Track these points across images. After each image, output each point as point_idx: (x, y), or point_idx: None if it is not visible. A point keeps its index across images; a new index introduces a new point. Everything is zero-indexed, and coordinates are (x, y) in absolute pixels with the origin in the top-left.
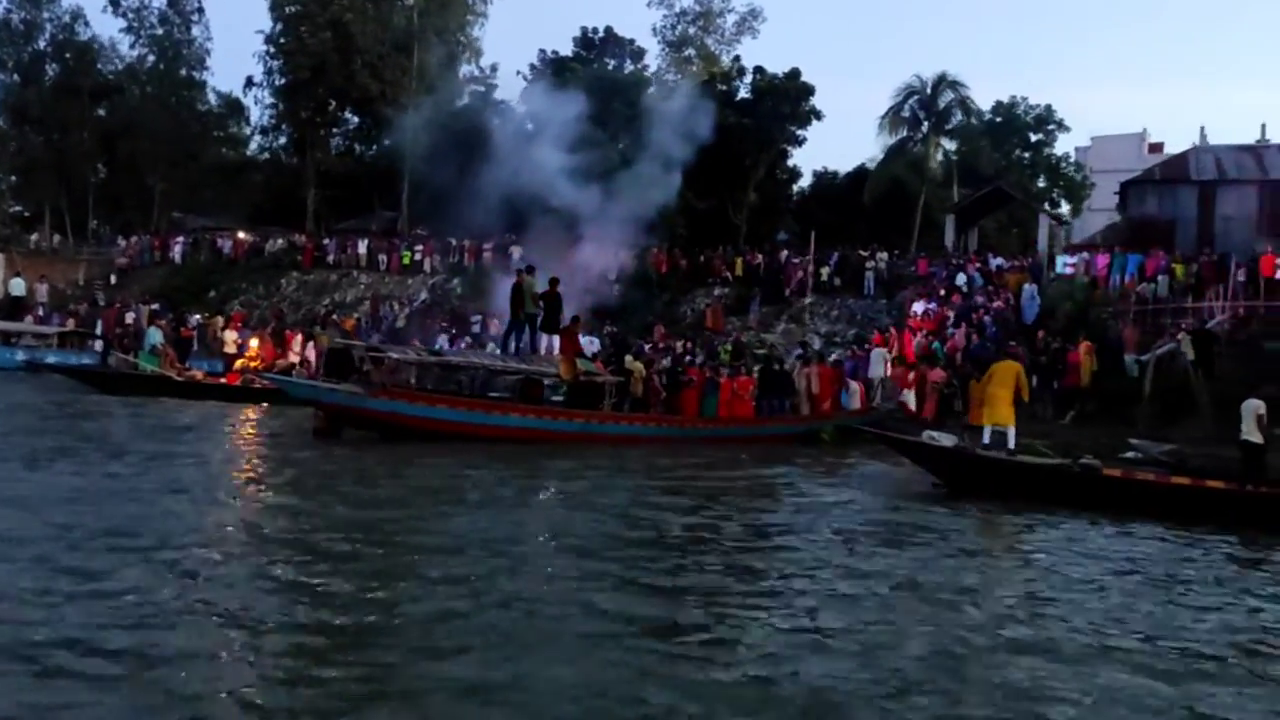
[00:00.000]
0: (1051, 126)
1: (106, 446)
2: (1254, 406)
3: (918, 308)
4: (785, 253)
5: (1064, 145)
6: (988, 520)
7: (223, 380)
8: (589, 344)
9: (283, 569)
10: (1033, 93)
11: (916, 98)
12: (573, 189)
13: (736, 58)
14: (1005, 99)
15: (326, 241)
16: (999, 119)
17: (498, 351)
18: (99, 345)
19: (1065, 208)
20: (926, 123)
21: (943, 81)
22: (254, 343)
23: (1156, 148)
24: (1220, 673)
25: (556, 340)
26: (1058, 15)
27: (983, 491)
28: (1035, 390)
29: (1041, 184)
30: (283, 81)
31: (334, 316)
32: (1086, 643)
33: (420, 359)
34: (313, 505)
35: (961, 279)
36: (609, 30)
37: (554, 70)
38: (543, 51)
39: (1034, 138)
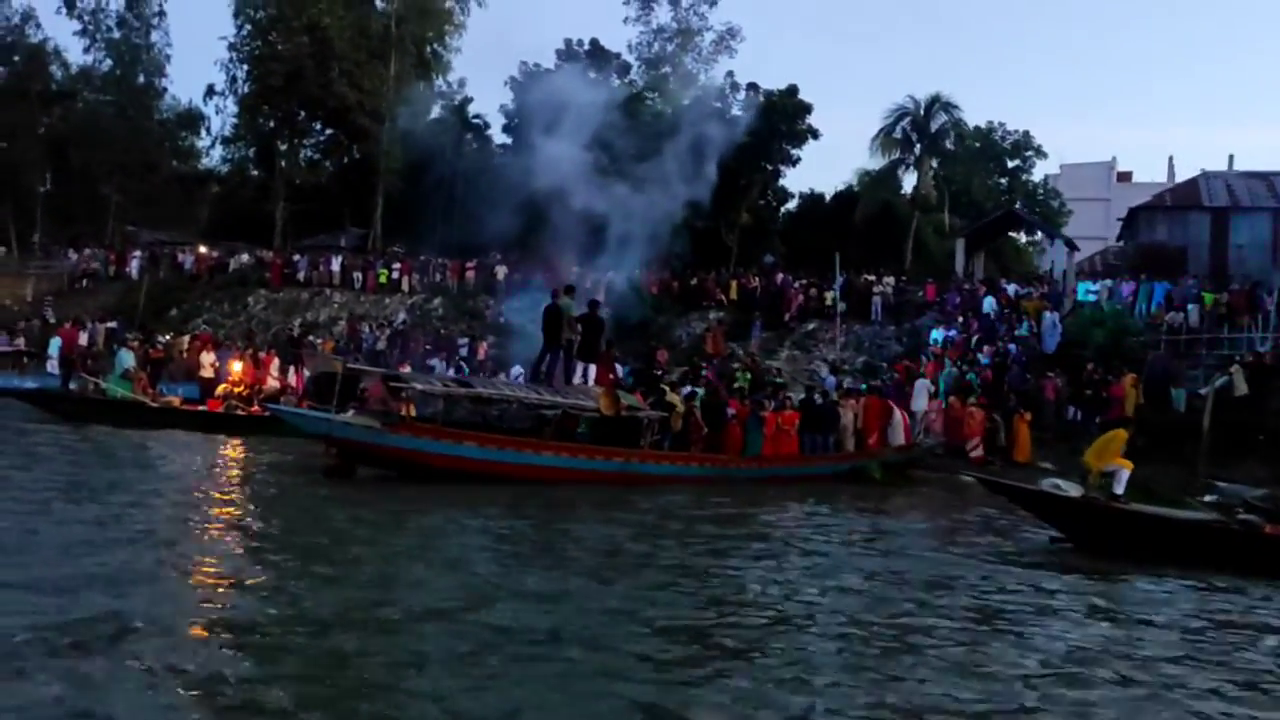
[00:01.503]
0: (1029, 153)
1: (79, 486)
2: None
3: (936, 335)
4: (782, 275)
5: (1036, 173)
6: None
7: (202, 407)
8: (621, 374)
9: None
10: (1007, 119)
11: (909, 119)
12: (593, 189)
13: (730, 73)
14: (983, 124)
15: (297, 258)
16: (977, 144)
17: (512, 379)
18: (53, 366)
19: (1038, 235)
20: (919, 145)
21: (936, 103)
22: (237, 366)
23: (1125, 176)
24: None
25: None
26: (1026, 44)
27: (1114, 549)
28: (1078, 425)
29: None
30: (249, 89)
31: (310, 338)
32: None
33: (449, 390)
34: (339, 573)
35: (989, 304)
36: (594, 43)
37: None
38: (524, 63)
39: (1011, 164)
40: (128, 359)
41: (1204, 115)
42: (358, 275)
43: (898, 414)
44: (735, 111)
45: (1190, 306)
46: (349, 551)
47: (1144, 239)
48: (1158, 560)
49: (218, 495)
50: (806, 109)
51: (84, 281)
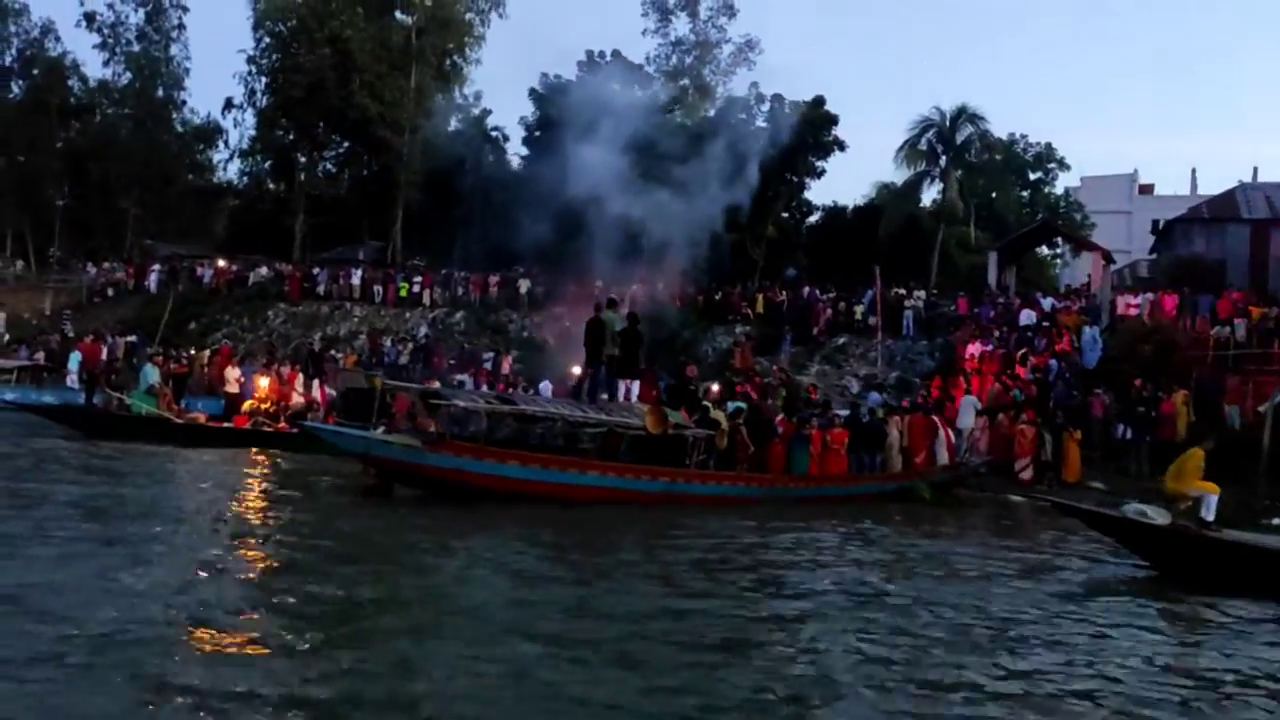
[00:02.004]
0: (1052, 165)
1: (111, 510)
2: None
3: (973, 350)
4: (808, 289)
5: (1057, 185)
6: None
7: (226, 424)
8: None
9: None
10: (1023, 131)
11: (934, 131)
12: (628, 197)
13: (754, 84)
14: (1004, 137)
15: (316, 271)
16: (998, 156)
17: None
18: (73, 381)
19: (1058, 247)
20: (944, 157)
21: (962, 114)
22: (263, 382)
23: (1147, 189)
24: None
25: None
26: (1041, 55)
27: (1204, 579)
28: (1128, 443)
29: None
30: (268, 102)
31: (332, 352)
32: None
33: (492, 407)
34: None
35: (1027, 317)
36: (616, 54)
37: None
38: (545, 75)
39: (1033, 176)
40: (153, 375)
41: (1224, 127)
42: (378, 289)
43: (942, 432)
44: (760, 123)
45: (1237, 321)
46: (405, 590)
47: (1180, 251)
48: (1251, 592)
49: (256, 521)
50: (833, 120)
51: (109, 291)
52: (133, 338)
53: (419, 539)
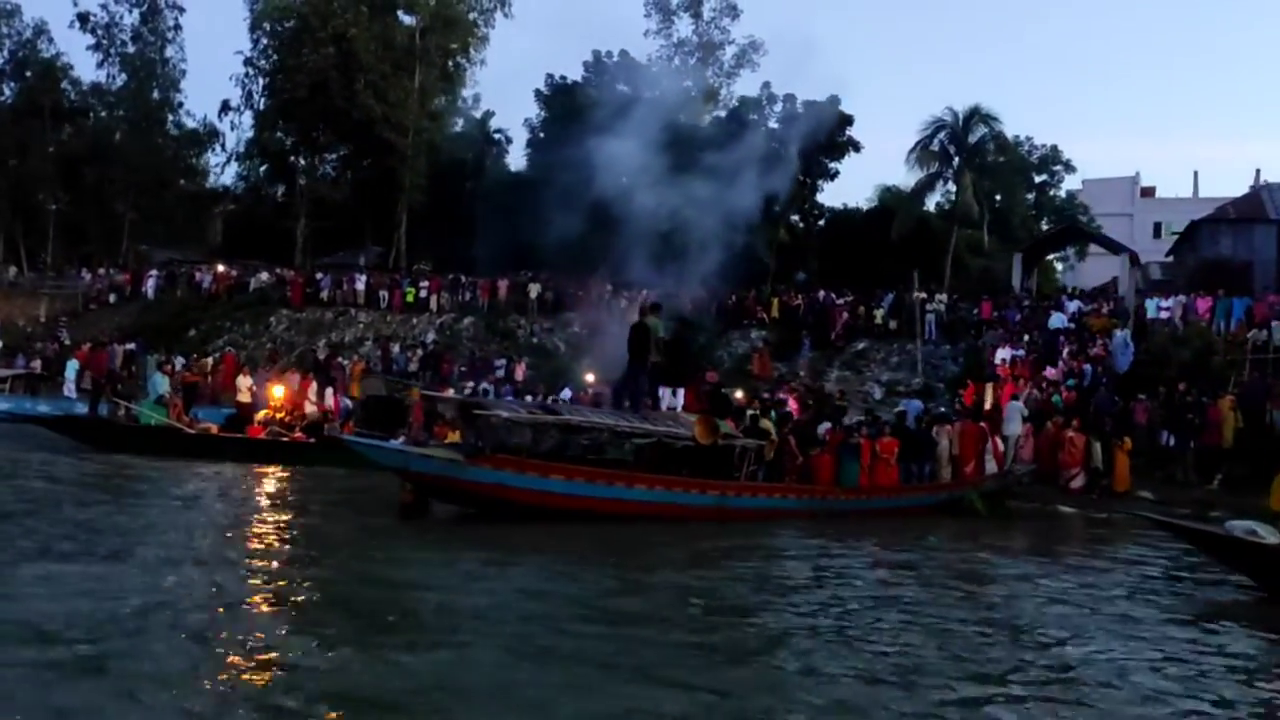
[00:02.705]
0: (1058, 167)
1: (129, 533)
2: None
3: (1003, 354)
4: (824, 293)
5: (1061, 188)
6: None
7: (239, 434)
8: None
9: None
10: (1022, 133)
11: (946, 131)
12: (659, 192)
13: (766, 84)
14: (1009, 138)
15: (320, 277)
16: (1002, 159)
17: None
18: (70, 389)
19: (1066, 250)
20: (957, 158)
21: (975, 115)
22: (278, 390)
23: (1149, 192)
24: None
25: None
26: (1045, 56)
27: None
28: (1174, 450)
29: (1045, 226)
30: (266, 104)
31: (339, 359)
32: None
33: (535, 417)
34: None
35: (1059, 320)
36: (624, 54)
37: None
38: (550, 76)
39: (1038, 178)
40: (162, 384)
41: (1225, 129)
42: (383, 294)
43: (990, 439)
44: (772, 124)
45: (1274, 324)
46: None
47: (1206, 253)
48: None
49: (287, 546)
50: (847, 120)
51: (111, 298)
52: (132, 345)
53: (462, 560)
